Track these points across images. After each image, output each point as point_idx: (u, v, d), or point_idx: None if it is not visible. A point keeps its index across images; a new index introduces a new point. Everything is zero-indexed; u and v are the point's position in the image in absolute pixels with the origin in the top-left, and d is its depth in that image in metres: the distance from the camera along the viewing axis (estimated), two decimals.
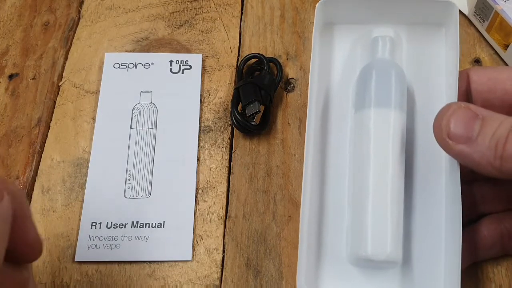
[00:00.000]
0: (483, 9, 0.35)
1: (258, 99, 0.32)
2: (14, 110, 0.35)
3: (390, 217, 0.23)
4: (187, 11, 0.39)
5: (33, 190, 0.32)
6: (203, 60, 0.36)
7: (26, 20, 0.39)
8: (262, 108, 0.32)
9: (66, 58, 0.37)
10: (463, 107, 0.21)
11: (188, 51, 0.37)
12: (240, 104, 0.33)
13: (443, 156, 0.25)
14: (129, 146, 0.33)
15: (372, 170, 0.24)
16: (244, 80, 0.34)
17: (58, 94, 0.36)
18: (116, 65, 0.36)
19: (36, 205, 0.31)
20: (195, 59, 0.36)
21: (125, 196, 0.31)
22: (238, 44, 0.37)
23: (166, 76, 0.35)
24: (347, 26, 0.29)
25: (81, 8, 0.40)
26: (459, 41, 0.26)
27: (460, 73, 0.26)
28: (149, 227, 0.30)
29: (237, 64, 0.36)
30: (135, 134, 0.33)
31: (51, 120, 0.35)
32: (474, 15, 0.36)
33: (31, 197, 0.32)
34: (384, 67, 0.26)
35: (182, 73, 0.35)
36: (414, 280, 0.24)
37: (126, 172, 0.32)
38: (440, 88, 0.27)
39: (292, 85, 0.35)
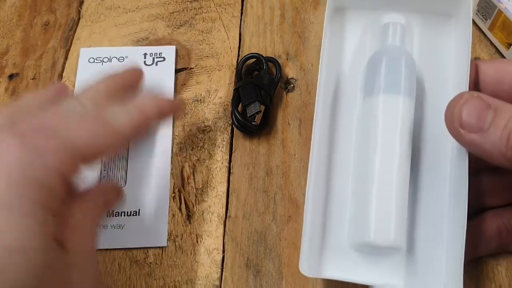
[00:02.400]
0: (486, 7, 0.35)
1: (259, 99, 0.32)
2: None
3: (395, 203, 0.23)
4: (187, 11, 0.39)
5: None
6: (176, 51, 0.36)
7: (26, 20, 0.39)
8: (262, 108, 0.32)
9: (66, 58, 0.37)
10: (475, 97, 0.21)
11: (188, 51, 0.37)
12: (240, 104, 0.33)
13: (451, 145, 0.25)
14: None
15: (378, 156, 0.24)
16: (244, 80, 0.34)
17: None
18: (91, 60, 0.36)
19: None
20: (168, 51, 0.36)
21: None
22: (238, 44, 0.37)
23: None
24: (358, 12, 0.29)
25: (81, 8, 0.40)
26: (471, 31, 0.25)
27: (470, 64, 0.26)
28: (124, 215, 0.31)
29: (237, 64, 0.36)
30: None
31: None
32: (477, 14, 0.36)
33: None
34: (394, 53, 0.26)
35: (156, 65, 0.36)
36: (417, 267, 0.24)
37: (102, 163, 0.32)
38: (449, 77, 0.27)
39: (292, 85, 0.35)
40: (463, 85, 0.24)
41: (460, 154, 0.24)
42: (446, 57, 0.27)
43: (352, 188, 0.26)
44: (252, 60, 0.35)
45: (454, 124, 0.22)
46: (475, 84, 0.26)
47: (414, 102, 0.25)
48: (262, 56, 0.35)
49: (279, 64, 0.35)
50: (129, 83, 0.27)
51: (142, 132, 0.24)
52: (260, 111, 0.32)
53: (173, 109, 0.28)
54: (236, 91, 0.33)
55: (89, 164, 0.22)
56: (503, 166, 0.21)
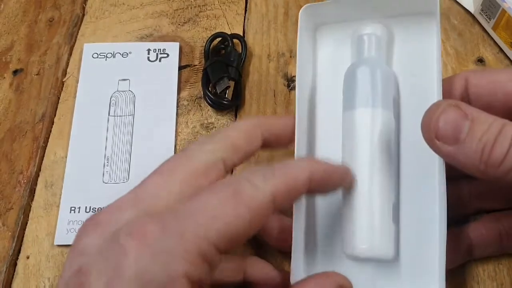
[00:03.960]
0: (490, 7, 0.35)
1: (226, 75, 0.33)
2: (18, 105, 0.35)
3: (378, 214, 0.23)
4: (191, 8, 0.39)
5: (36, 185, 0.32)
6: (180, 48, 0.37)
7: (31, 16, 0.39)
8: (232, 83, 0.34)
9: (70, 54, 0.37)
10: (453, 106, 0.21)
11: (192, 48, 0.37)
12: (212, 84, 0.34)
13: (433, 153, 0.25)
14: (107, 132, 0.33)
15: (359, 168, 0.24)
16: (210, 59, 0.35)
17: (62, 89, 0.36)
18: (95, 55, 0.36)
19: (39, 200, 0.32)
20: (172, 48, 0.36)
21: (103, 181, 0.32)
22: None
23: (144, 64, 0.36)
24: (334, 26, 0.28)
25: (85, 5, 0.40)
26: (440, 32, 0.24)
27: (458, 76, 0.25)
28: None
29: (204, 46, 0.36)
30: (113, 121, 0.34)
31: (55, 115, 0.35)
32: (481, 13, 0.36)
33: (34, 192, 0.32)
34: (369, 66, 0.25)
35: (160, 61, 0.36)
36: (402, 275, 0.24)
37: (105, 158, 0.32)
38: (430, 83, 0.26)
39: (295, 83, 0.35)
40: (435, 92, 0.24)
41: (441, 162, 0.24)
42: (427, 61, 0.26)
43: (340, 200, 0.26)
44: (218, 40, 0.36)
45: (431, 135, 0.21)
46: (464, 97, 0.25)
47: (392, 113, 0.25)
48: (227, 34, 0.36)
49: (244, 40, 0.36)
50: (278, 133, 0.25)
51: (289, 204, 0.21)
52: (229, 86, 0.33)
53: (339, 178, 0.23)
54: (205, 71, 0.34)
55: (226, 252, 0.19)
56: (478, 177, 0.21)
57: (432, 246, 0.24)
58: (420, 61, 0.26)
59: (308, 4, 0.27)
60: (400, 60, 0.27)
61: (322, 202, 0.26)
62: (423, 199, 0.25)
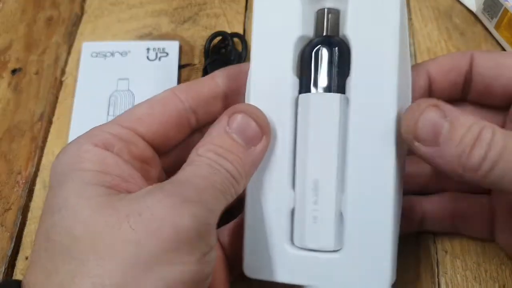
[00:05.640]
0: (492, 6, 0.35)
1: None
2: (16, 105, 0.35)
3: (320, 206, 0.23)
4: (191, 7, 0.39)
5: (35, 185, 0.32)
6: (180, 47, 0.36)
7: (29, 15, 0.39)
8: None
9: (69, 53, 0.37)
10: (432, 106, 0.20)
11: (191, 47, 0.37)
12: None
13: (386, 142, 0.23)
14: None
15: (309, 156, 0.23)
16: (210, 58, 0.34)
17: (60, 89, 0.36)
18: (94, 54, 0.36)
19: (38, 200, 0.31)
20: (171, 46, 0.36)
21: None
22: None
23: (143, 63, 0.36)
24: None
25: (84, 4, 0.40)
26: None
27: (464, 54, 0.25)
28: None
29: (204, 45, 0.36)
30: None
31: (53, 115, 0.35)
32: (483, 12, 0.36)
33: (33, 193, 0.32)
34: (327, 45, 0.23)
35: (159, 60, 0.36)
36: (348, 263, 0.23)
37: None
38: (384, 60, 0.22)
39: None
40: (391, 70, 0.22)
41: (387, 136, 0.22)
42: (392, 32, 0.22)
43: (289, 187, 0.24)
44: (218, 39, 0.36)
45: (409, 136, 0.21)
46: (468, 76, 0.25)
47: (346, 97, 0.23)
48: (227, 33, 0.35)
49: (244, 39, 0.35)
50: None
51: None
52: None
53: None
54: (205, 70, 0.34)
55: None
56: (456, 179, 0.21)
57: (381, 235, 0.23)
58: (383, 32, 0.22)
59: None
60: (359, 32, 0.23)
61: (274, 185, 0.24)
62: (374, 190, 0.23)
